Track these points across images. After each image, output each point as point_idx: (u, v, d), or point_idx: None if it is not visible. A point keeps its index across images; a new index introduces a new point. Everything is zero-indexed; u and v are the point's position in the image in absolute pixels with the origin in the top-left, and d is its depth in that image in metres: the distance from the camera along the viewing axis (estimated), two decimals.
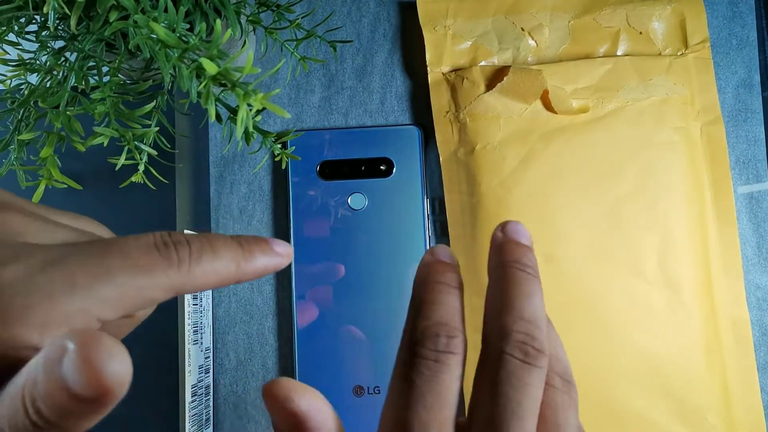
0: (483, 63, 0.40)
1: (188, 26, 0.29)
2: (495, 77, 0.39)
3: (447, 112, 0.39)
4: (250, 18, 0.33)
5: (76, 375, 0.13)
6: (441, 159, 0.39)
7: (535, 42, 0.40)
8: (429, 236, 0.39)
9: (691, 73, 0.38)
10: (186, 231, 0.20)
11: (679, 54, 0.39)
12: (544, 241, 0.37)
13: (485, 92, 0.38)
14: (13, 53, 0.30)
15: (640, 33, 0.39)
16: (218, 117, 0.26)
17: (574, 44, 0.39)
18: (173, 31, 0.24)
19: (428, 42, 0.40)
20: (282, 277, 0.40)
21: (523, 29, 0.39)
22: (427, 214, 0.39)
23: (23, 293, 0.15)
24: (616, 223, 0.37)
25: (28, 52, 0.30)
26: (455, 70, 0.40)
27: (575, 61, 0.39)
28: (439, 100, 0.40)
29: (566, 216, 0.37)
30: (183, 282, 0.18)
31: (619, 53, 0.39)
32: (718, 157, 0.38)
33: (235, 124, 0.23)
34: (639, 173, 0.37)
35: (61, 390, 0.13)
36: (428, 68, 0.40)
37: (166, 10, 0.24)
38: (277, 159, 0.39)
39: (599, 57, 0.39)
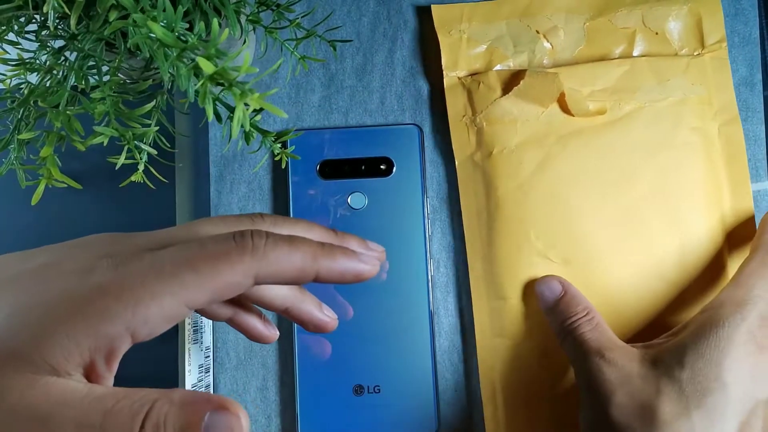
0: (498, 67, 0.39)
1: (188, 25, 0.29)
2: (511, 81, 0.38)
3: (463, 116, 0.39)
4: (249, 17, 0.33)
5: None
6: (456, 162, 0.39)
7: (551, 44, 0.39)
8: (429, 236, 0.39)
9: (708, 73, 0.38)
10: None
11: (695, 54, 0.38)
12: (562, 245, 0.37)
13: (501, 96, 0.38)
14: (13, 53, 0.30)
15: (657, 33, 0.39)
16: (217, 116, 0.26)
17: (590, 46, 0.39)
18: (172, 30, 0.24)
19: (443, 46, 0.40)
20: None
21: (538, 32, 0.39)
22: (427, 214, 0.39)
23: (123, 277, 0.19)
24: (635, 226, 0.37)
25: (28, 51, 0.30)
26: (471, 75, 0.40)
27: (591, 63, 0.38)
28: (455, 104, 0.39)
29: (584, 219, 0.37)
30: (258, 266, 0.20)
31: (635, 54, 0.39)
32: (736, 157, 0.38)
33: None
34: (657, 174, 0.37)
35: None
36: (444, 72, 0.40)
37: (165, 10, 0.24)
38: (277, 158, 0.39)
39: (615, 58, 0.39)
